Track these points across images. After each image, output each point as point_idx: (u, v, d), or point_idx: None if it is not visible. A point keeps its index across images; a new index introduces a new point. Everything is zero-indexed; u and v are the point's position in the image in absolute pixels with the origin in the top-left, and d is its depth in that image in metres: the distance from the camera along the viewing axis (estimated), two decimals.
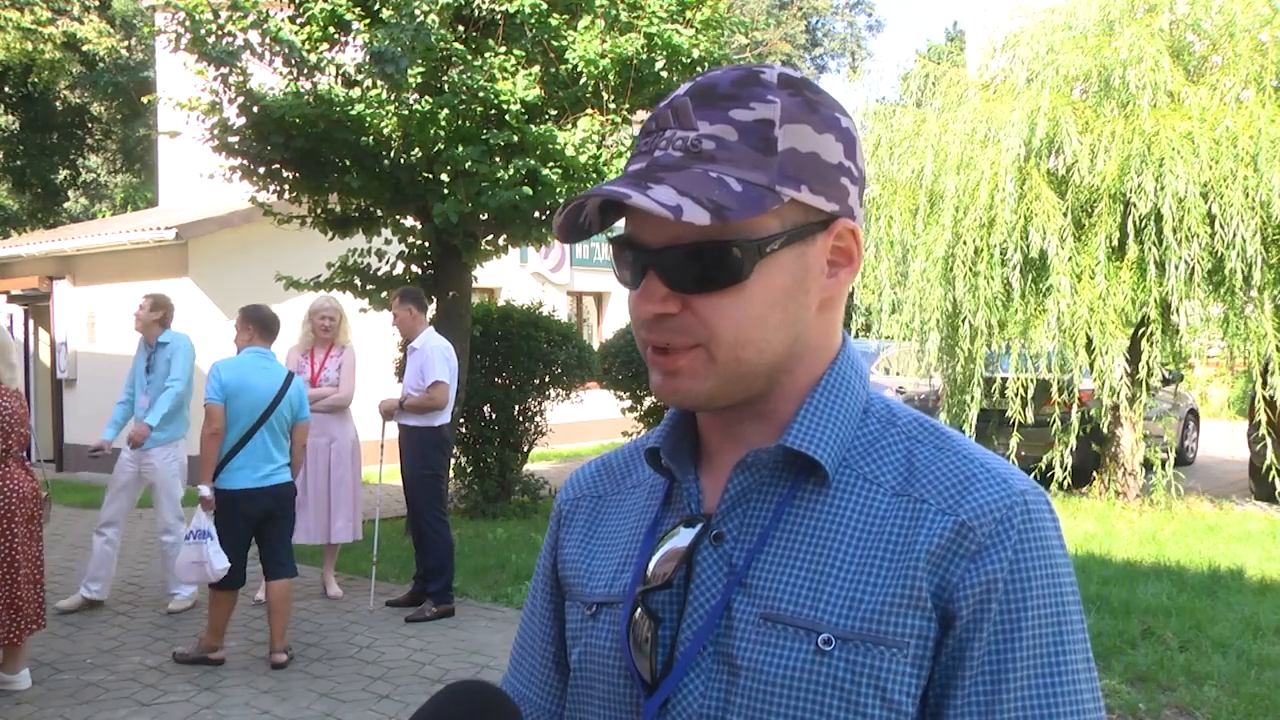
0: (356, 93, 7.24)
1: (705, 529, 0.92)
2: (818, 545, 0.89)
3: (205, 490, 5.21)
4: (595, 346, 11.19)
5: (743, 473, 0.92)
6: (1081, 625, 0.87)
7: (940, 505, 0.87)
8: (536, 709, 1.08)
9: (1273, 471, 8.95)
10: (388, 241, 8.55)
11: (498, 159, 7.48)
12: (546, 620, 1.09)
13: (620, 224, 0.93)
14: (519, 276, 14.73)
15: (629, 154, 7.99)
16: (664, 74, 7.88)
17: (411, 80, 7.21)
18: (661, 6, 7.82)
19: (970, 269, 9.34)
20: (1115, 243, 9.02)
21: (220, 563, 5.10)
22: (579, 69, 7.60)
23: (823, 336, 0.94)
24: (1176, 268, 8.63)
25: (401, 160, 7.57)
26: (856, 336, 12.62)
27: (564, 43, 7.68)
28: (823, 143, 0.89)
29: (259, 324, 5.48)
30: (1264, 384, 8.89)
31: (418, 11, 6.86)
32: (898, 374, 12.96)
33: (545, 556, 1.12)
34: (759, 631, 0.87)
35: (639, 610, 0.93)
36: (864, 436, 0.93)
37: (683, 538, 0.93)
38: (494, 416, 9.43)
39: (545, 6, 7.52)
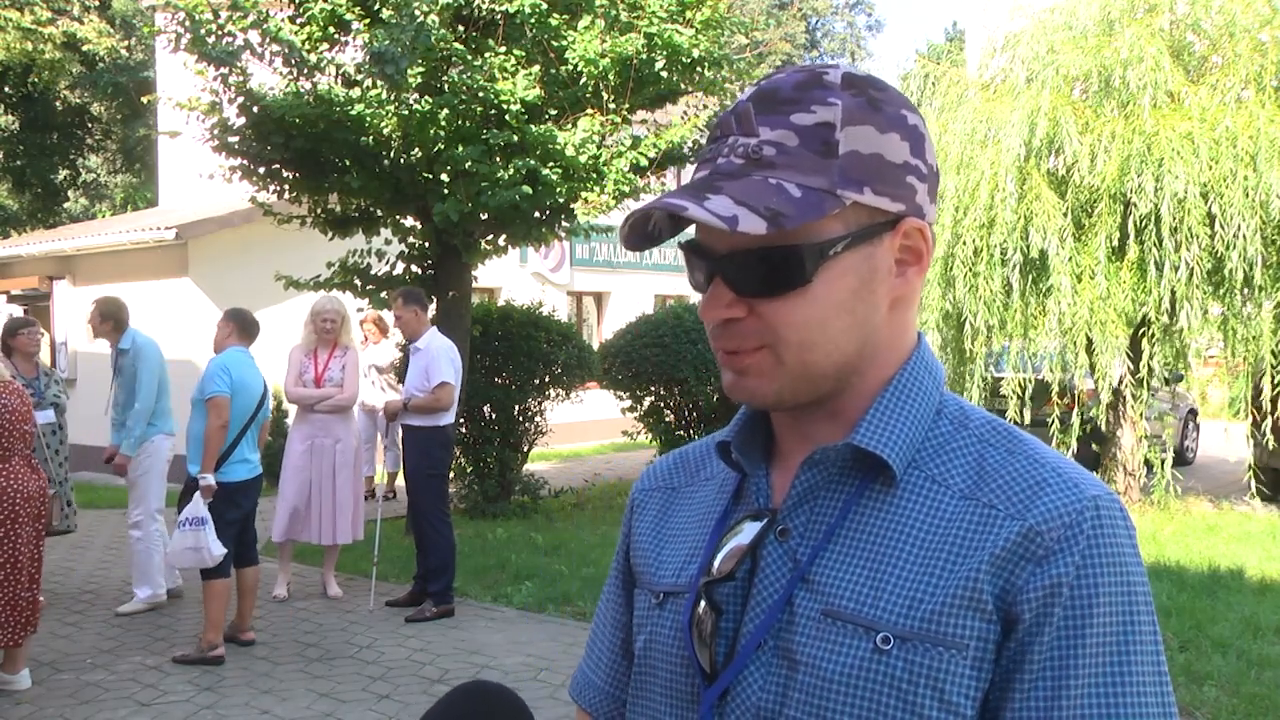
0: (356, 93, 7.24)
1: (771, 524, 0.93)
2: (882, 545, 0.88)
3: (211, 479, 5.36)
4: (595, 346, 11.19)
5: (810, 469, 0.92)
6: (1153, 634, 0.85)
7: (1009, 510, 0.86)
8: (602, 694, 1.11)
9: (1251, 471, 9.00)
10: (388, 241, 8.55)
11: (498, 159, 7.49)
12: (618, 608, 1.11)
13: (690, 229, 0.93)
14: (519, 276, 14.73)
15: (629, 153, 8.04)
16: (664, 74, 7.88)
17: (411, 80, 7.21)
18: (661, 6, 7.82)
19: (970, 269, 9.33)
20: (1115, 243, 9.02)
21: (218, 549, 5.26)
22: (579, 69, 7.61)
23: (894, 336, 0.94)
24: (1176, 268, 8.63)
25: (401, 160, 7.57)
26: None
27: (564, 43, 7.68)
28: (886, 143, 0.89)
29: (241, 324, 5.69)
30: (1261, 384, 8.90)
31: (418, 11, 6.87)
32: None
33: (620, 546, 1.14)
34: (819, 628, 0.88)
35: (703, 601, 0.94)
36: (935, 438, 0.93)
37: (749, 532, 0.93)
38: (494, 416, 9.43)
39: (545, 6, 7.52)
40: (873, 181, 0.87)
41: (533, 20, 7.50)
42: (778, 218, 0.83)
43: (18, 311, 13.75)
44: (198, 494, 5.31)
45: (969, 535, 0.86)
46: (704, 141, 0.96)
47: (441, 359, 6.27)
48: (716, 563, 0.94)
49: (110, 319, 6.30)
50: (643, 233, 0.92)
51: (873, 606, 0.86)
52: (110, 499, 10.47)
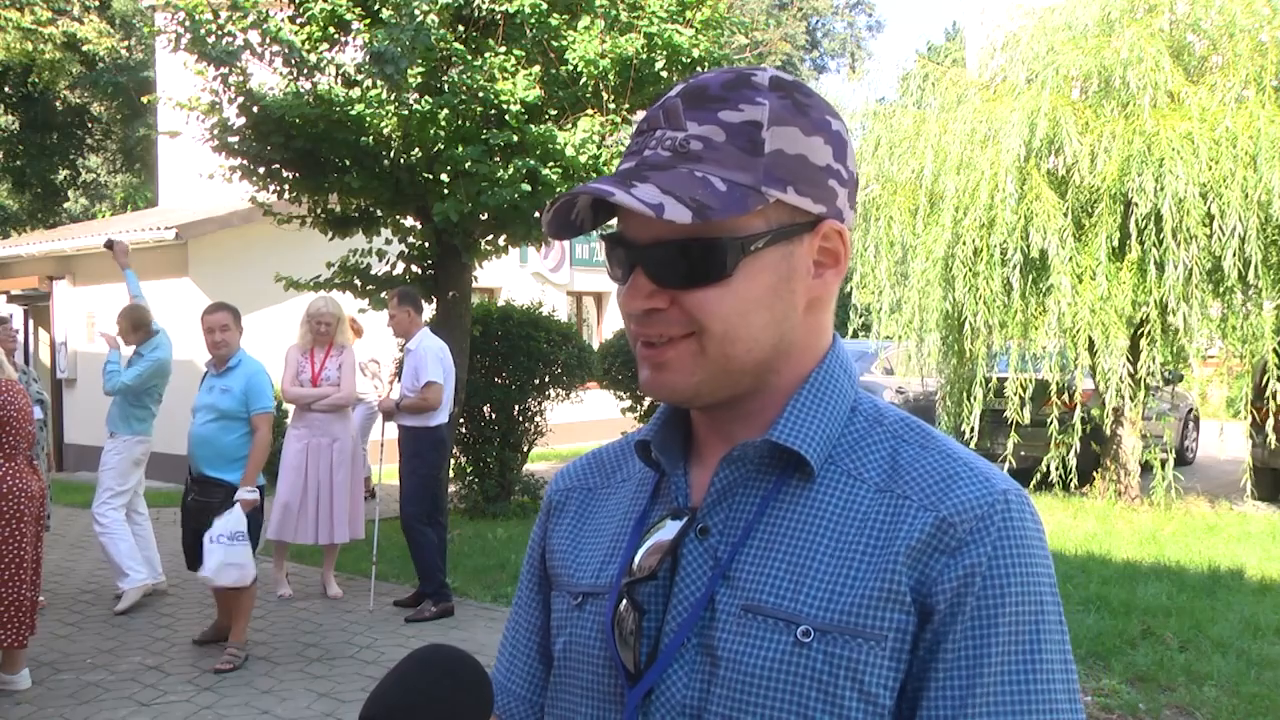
0: (356, 93, 7.24)
1: (691, 522, 0.93)
2: (800, 539, 0.89)
3: (255, 494, 5.35)
4: (595, 346, 11.19)
5: (728, 467, 0.93)
6: (1059, 624, 0.87)
7: (922, 502, 0.87)
8: (518, 699, 1.09)
9: (1249, 471, 9.02)
10: (388, 241, 8.55)
11: (498, 159, 7.48)
12: (533, 611, 1.10)
13: (613, 222, 0.94)
14: (519, 276, 14.72)
15: (624, 152, 7.99)
16: (664, 74, 7.88)
17: (411, 80, 7.21)
18: (661, 6, 7.82)
19: (970, 269, 9.34)
20: (1115, 243, 9.02)
21: (254, 566, 5.31)
22: (579, 69, 7.60)
23: (810, 336, 0.95)
24: (1176, 268, 8.63)
25: (401, 160, 7.57)
26: (856, 336, 12.61)
27: (564, 43, 7.67)
28: (811, 145, 0.90)
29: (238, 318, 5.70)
30: (1261, 384, 8.90)
31: (418, 11, 6.86)
32: (892, 373, 12.94)
33: (534, 548, 1.12)
34: (740, 623, 0.88)
35: (624, 601, 0.94)
36: (850, 434, 0.94)
37: (669, 530, 0.94)
38: (494, 416, 9.43)
39: (545, 6, 7.52)
40: (796, 182, 0.89)
41: (533, 20, 7.50)
42: (703, 209, 0.84)
43: (18, 311, 13.78)
44: (236, 508, 5.22)
45: (885, 527, 0.87)
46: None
47: (430, 359, 6.28)
48: (637, 560, 0.94)
49: (142, 328, 6.34)
50: (565, 221, 0.93)
51: (793, 600, 0.87)
52: None
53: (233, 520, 5.18)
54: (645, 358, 0.92)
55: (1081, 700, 0.88)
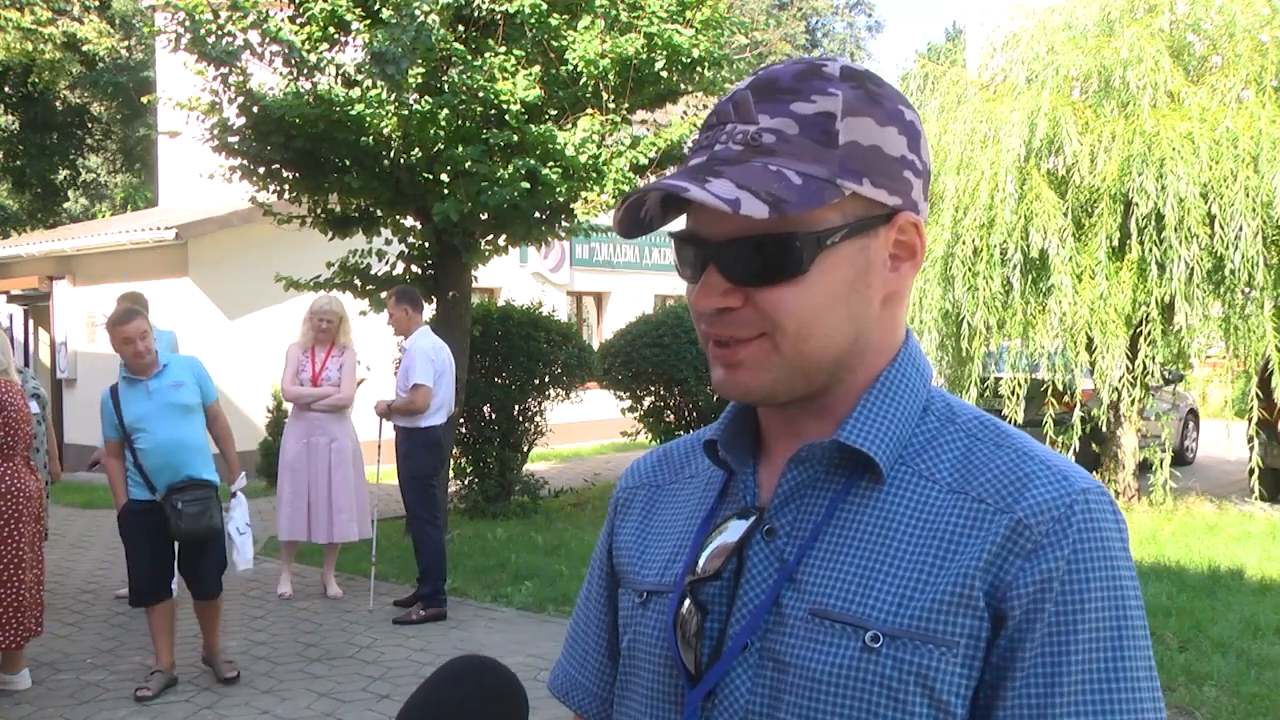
0: (356, 93, 7.24)
1: (758, 523, 0.92)
2: (870, 542, 0.87)
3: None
4: (595, 346, 11.18)
5: (797, 467, 0.91)
6: (1143, 627, 0.84)
7: (998, 504, 0.85)
8: (589, 694, 1.09)
9: (1256, 472, 9.00)
10: (388, 242, 8.55)
11: (498, 159, 7.49)
12: (600, 607, 1.10)
13: (681, 220, 0.92)
14: (519, 276, 14.73)
15: (629, 153, 8.04)
16: (664, 74, 7.88)
17: (411, 80, 7.21)
18: (661, 6, 7.82)
19: (970, 269, 9.33)
20: (1115, 243, 9.01)
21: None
22: (579, 69, 7.60)
23: (885, 332, 0.93)
24: (1177, 268, 8.63)
25: (401, 160, 7.57)
26: None
27: (564, 43, 7.68)
28: (885, 136, 0.88)
29: None
30: (1261, 384, 8.90)
31: (418, 11, 6.86)
32: None
33: (601, 544, 1.12)
34: (807, 628, 0.86)
35: (687, 601, 0.92)
36: (922, 434, 0.92)
37: (735, 530, 0.92)
38: (494, 416, 9.43)
39: (545, 6, 7.52)
40: (871, 173, 0.87)
41: (533, 20, 7.50)
42: (779, 203, 0.82)
43: (18, 311, 13.78)
44: (242, 498, 5.30)
45: (959, 531, 0.85)
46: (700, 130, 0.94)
47: (420, 360, 6.26)
48: (702, 561, 0.93)
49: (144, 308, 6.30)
50: (635, 218, 0.91)
51: (861, 605, 0.85)
52: (109, 499, 10.45)
53: (245, 510, 5.27)
54: (718, 357, 0.90)
55: (1164, 707, 0.85)
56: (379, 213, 8.39)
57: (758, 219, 0.82)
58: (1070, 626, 0.81)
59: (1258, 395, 9.10)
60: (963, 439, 0.91)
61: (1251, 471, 9.15)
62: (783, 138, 0.86)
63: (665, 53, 7.78)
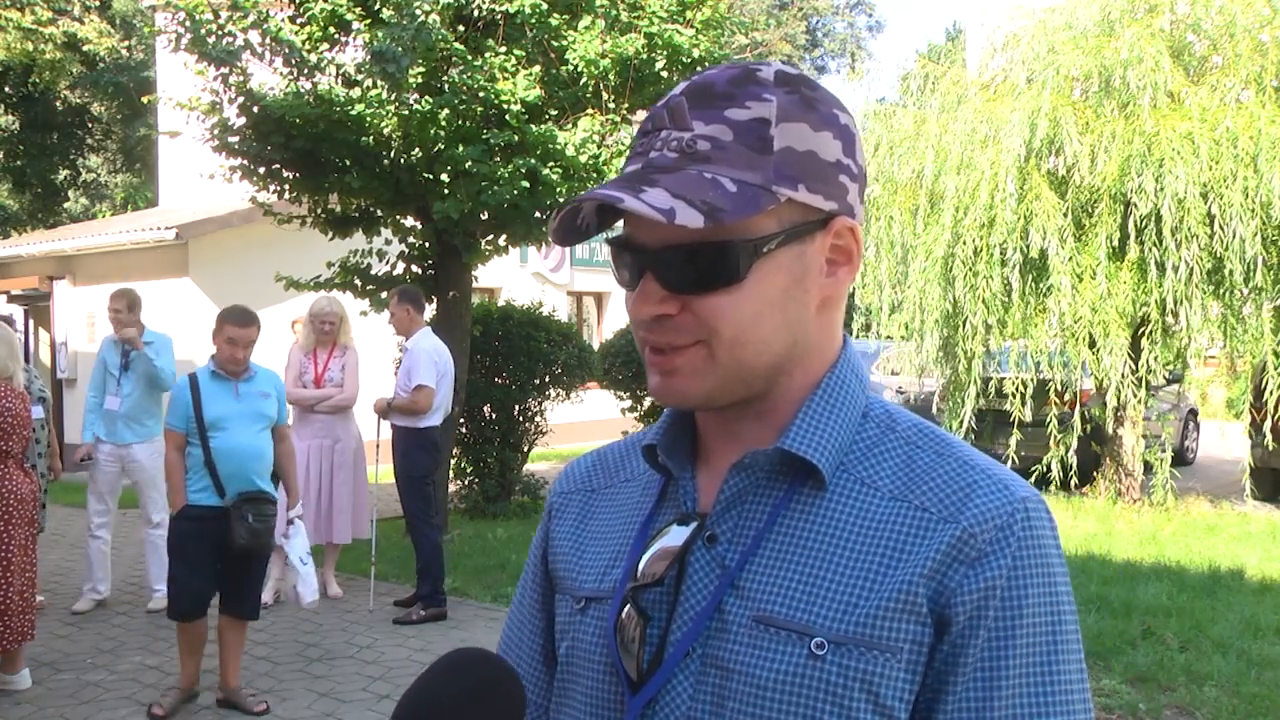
0: (356, 93, 7.24)
1: (699, 529, 0.91)
2: (813, 549, 0.88)
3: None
4: (595, 346, 11.18)
5: (739, 474, 0.91)
6: (1076, 633, 0.87)
7: (941, 513, 0.86)
8: (526, 703, 1.08)
9: (1248, 471, 9.01)
10: (388, 242, 8.55)
11: (498, 159, 7.49)
12: (535, 613, 1.08)
13: (619, 225, 0.92)
14: (519, 276, 14.73)
15: (628, 154, 7.99)
16: (664, 74, 7.88)
17: (411, 80, 7.21)
18: (661, 6, 7.82)
19: (970, 269, 9.34)
20: (1115, 243, 9.02)
21: None
22: (579, 69, 7.60)
23: (823, 337, 0.93)
24: (1176, 268, 8.63)
25: (401, 160, 7.57)
26: (857, 336, 12.61)
27: (564, 43, 7.68)
28: (820, 140, 0.88)
29: None
30: (1260, 384, 8.91)
31: (418, 11, 6.86)
32: (894, 373, 12.93)
33: (536, 549, 1.11)
34: (751, 634, 0.86)
35: (628, 607, 0.92)
36: (862, 441, 0.92)
37: (675, 536, 0.92)
38: (494, 416, 9.43)
39: (545, 6, 7.52)
40: (806, 179, 0.87)
41: (533, 20, 7.50)
42: (715, 212, 0.82)
43: (18, 311, 13.77)
44: (300, 526, 5.11)
45: (902, 538, 0.86)
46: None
47: (423, 361, 6.26)
48: (642, 566, 0.92)
49: (138, 308, 6.25)
50: (570, 226, 0.91)
51: (806, 611, 0.85)
52: None
53: (305, 539, 5.11)
54: (655, 364, 0.90)
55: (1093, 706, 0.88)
56: (379, 213, 8.39)
57: (693, 228, 0.81)
58: (1010, 632, 0.83)
59: (1252, 396, 9.12)
60: (903, 447, 0.91)
61: (1248, 469, 9.16)
62: (717, 144, 0.86)
63: (666, 53, 7.78)
